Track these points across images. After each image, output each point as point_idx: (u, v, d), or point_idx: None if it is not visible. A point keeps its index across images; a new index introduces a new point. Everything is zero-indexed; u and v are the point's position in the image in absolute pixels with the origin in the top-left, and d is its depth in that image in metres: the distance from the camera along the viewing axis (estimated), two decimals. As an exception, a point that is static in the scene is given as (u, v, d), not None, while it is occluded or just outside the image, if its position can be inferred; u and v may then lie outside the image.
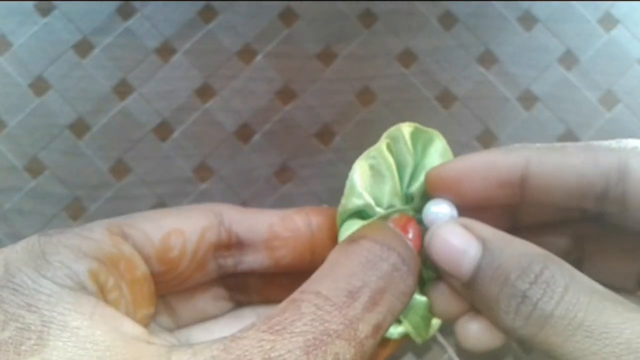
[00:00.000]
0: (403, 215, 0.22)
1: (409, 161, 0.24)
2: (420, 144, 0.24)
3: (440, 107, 0.38)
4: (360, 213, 0.23)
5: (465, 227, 0.20)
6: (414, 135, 0.24)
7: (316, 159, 0.38)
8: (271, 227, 0.22)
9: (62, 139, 0.38)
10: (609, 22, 0.39)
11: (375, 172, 0.24)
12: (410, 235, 0.21)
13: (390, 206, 0.23)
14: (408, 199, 0.23)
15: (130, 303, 0.18)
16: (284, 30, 0.39)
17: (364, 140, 0.38)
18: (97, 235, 0.18)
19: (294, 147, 0.38)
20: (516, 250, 0.18)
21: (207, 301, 0.23)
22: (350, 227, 0.22)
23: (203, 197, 0.38)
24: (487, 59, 0.39)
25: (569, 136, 0.38)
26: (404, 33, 0.39)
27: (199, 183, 0.38)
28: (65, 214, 0.38)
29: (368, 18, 0.39)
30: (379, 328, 0.18)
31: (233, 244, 0.22)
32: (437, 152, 0.24)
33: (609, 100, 0.38)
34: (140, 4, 0.39)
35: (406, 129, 0.24)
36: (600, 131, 0.38)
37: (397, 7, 0.39)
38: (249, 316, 0.23)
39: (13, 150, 0.37)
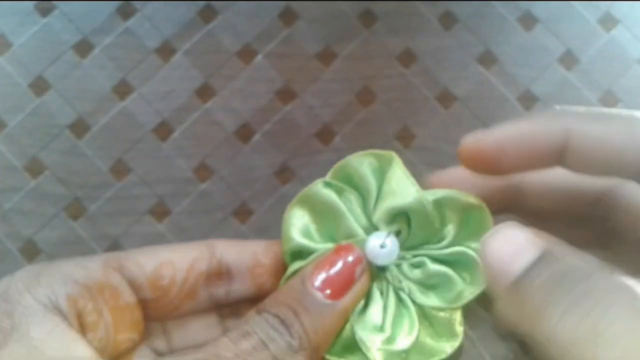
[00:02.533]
0: (339, 246, 0.23)
1: (371, 189, 0.23)
2: (379, 170, 0.24)
3: (440, 107, 0.38)
4: (301, 253, 0.24)
5: (526, 231, 0.19)
6: (372, 161, 0.24)
7: (316, 159, 0.38)
8: (255, 255, 0.24)
9: (62, 139, 0.38)
10: (609, 22, 0.39)
11: (321, 210, 0.24)
12: (339, 265, 0.22)
13: (350, 236, 0.23)
14: (373, 227, 0.23)
15: (110, 326, 0.21)
16: (284, 30, 0.39)
17: (364, 140, 0.38)
18: (92, 265, 0.21)
19: (294, 147, 0.38)
20: (575, 259, 0.17)
21: (200, 328, 0.25)
22: (293, 269, 0.24)
23: (203, 197, 0.38)
24: (487, 59, 0.39)
25: (569, 136, 0.38)
26: (404, 33, 0.39)
27: (199, 183, 0.38)
28: (65, 214, 0.38)
29: (368, 18, 0.39)
30: None
31: (223, 273, 0.24)
32: (396, 177, 0.23)
33: (609, 100, 0.39)
34: (140, 4, 0.39)
35: (362, 158, 0.24)
36: (600, 131, 0.38)
37: (397, 7, 0.39)
38: None
39: (13, 150, 0.37)
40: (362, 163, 0.24)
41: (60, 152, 0.38)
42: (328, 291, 0.21)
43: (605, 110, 0.20)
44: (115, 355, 0.22)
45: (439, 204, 0.23)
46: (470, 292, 0.22)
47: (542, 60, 0.39)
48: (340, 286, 0.22)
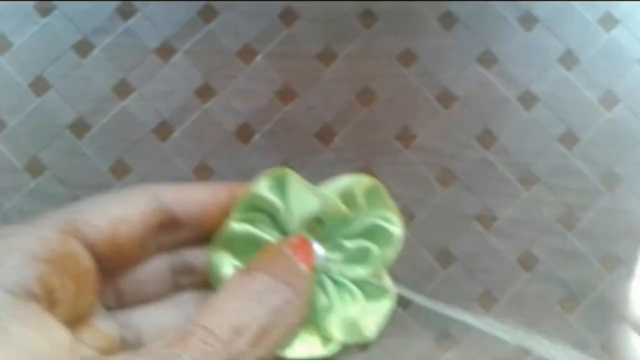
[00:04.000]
0: (299, 236, 0.25)
1: (277, 206, 0.26)
2: (277, 186, 0.26)
3: (440, 107, 0.38)
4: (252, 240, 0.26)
5: None
6: (268, 182, 0.26)
7: (316, 159, 0.38)
8: (203, 206, 0.25)
9: (62, 139, 0.38)
10: (609, 22, 0.39)
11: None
12: (306, 263, 0.23)
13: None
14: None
15: (74, 293, 0.21)
16: (284, 30, 0.39)
17: (364, 140, 0.38)
18: (48, 234, 0.20)
19: (294, 147, 0.38)
20: None
21: (150, 282, 0.25)
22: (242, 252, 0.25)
23: (203, 197, 0.38)
24: (487, 59, 0.39)
25: (569, 136, 0.38)
26: (404, 33, 0.39)
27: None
28: (65, 214, 0.38)
29: (368, 18, 0.39)
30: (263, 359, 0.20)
31: (171, 224, 0.24)
32: (295, 188, 0.26)
33: (609, 100, 0.38)
34: (140, 4, 0.39)
35: (258, 182, 0.26)
36: (600, 131, 0.38)
37: (397, 7, 0.39)
38: (187, 300, 0.25)
39: (13, 150, 0.37)
40: (260, 187, 0.25)
41: (60, 152, 0.38)
42: (307, 263, 0.22)
43: None
44: (76, 320, 0.22)
45: (340, 194, 0.26)
46: (389, 252, 0.26)
47: (542, 60, 0.39)
48: (310, 266, 0.23)
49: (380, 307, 0.27)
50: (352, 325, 0.26)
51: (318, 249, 0.26)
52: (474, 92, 0.38)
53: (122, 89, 0.38)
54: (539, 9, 0.39)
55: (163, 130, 0.38)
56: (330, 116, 0.38)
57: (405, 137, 0.38)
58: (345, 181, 0.26)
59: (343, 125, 0.38)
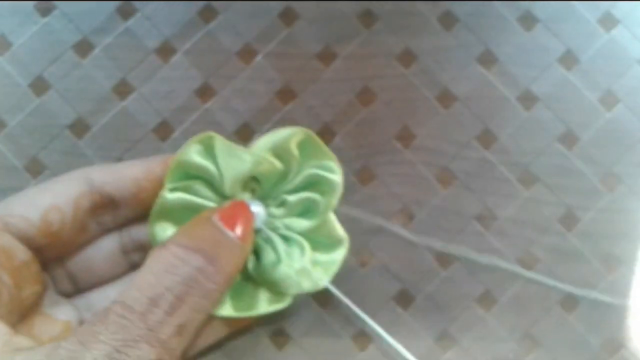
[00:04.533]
0: (235, 202, 0.25)
1: (210, 170, 0.26)
2: (206, 151, 0.27)
3: (440, 107, 0.38)
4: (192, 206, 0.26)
5: None
6: (197, 147, 0.26)
7: (316, 159, 0.38)
8: (137, 182, 0.25)
9: (62, 139, 0.38)
10: (609, 22, 0.39)
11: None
12: (239, 227, 0.23)
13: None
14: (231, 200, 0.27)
15: (12, 288, 0.21)
16: (284, 30, 0.39)
17: (364, 140, 0.38)
18: None
19: (294, 147, 0.38)
20: None
21: (103, 264, 0.26)
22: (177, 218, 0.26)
23: (203, 197, 0.38)
24: (487, 59, 0.39)
25: (569, 136, 0.38)
26: (404, 33, 0.39)
27: (199, 183, 0.38)
28: (65, 214, 0.38)
29: (368, 18, 0.39)
30: (183, 327, 0.20)
31: (107, 204, 0.25)
32: (224, 151, 0.26)
33: (609, 100, 0.39)
34: (140, 4, 0.39)
35: (186, 149, 0.26)
36: (600, 131, 0.38)
37: (397, 7, 0.39)
38: None
39: (13, 150, 0.37)
40: (190, 153, 0.26)
41: (60, 152, 0.38)
42: (237, 231, 0.22)
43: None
44: (23, 311, 0.22)
45: (273, 150, 0.26)
46: (332, 200, 0.27)
47: (542, 60, 0.39)
48: (245, 226, 0.23)
49: (333, 256, 0.27)
50: (302, 276, 0.26)
51: (257, 208, 0.26)
52: (474, 92, 0.38)
53: (122, 89, 0.38)
54: (539, 9, 0.39)
55: (163, 130, 0.38)
56: (330, 116, 0.38)
57: (405, 137, 0.38)
58: (276, 136, 0.27)
59: (343, 125, 0.38)
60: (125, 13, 0.39)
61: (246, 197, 0.26)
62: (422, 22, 0.39)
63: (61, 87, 0.38)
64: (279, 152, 0.26)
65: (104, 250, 0.26)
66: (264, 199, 0.27)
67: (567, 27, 0.39)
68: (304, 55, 0.39)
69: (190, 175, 0.26)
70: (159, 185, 0.25)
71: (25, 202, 0.23)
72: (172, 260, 0.21)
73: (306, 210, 0.27)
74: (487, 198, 0.38)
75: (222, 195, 0.26)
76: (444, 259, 0.37)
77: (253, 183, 0.27)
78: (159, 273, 0.20)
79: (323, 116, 0.38)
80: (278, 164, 0.26)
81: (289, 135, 0.26)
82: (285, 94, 0.38)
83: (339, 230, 0.28)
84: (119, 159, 0.38)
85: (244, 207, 0.25)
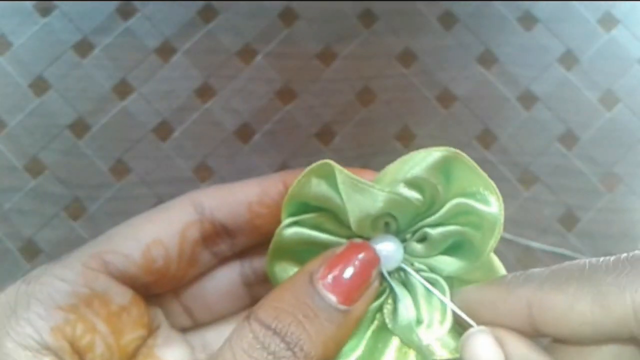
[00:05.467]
0: (351, 246, 0.20)
1: (335, 203, 0.21)
2: (327, 182, 0.22)
3: (440, 107, 0.38)
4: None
5: (498, 339, 0.18)
6: (317, 181, 0.21)
7: (316, 159, 0.38)
8: (251, 208, 0.22)
9: (62, 139, 0.38)
10: (609, 22, 0.39)
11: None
12: (355, 264, 0.19)
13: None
14: (359, 237, 0.21)
15: (109, 336, 0.19)
16: (284, 30, 0.39)
17: (364, 140, 0.38)
18: (72, 274, 0.18)
19: (294, 147, 0.38)
20: None
21: (222, 297, 0.23)
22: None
23: (203, 197, 0.38)
24: (487, 59, 0.39)
25: (569, 136, 0.38)
26: (404, 33, 0.39)
27: (199, 183, 0.38)
28: (65, 214, 0.38)
29: (368, 18, 0.39)
30: None
31: (220, 232, 0.22)
32: (348, 184, 0.21)
33: (609, 100, 0.38)
34: (140, 4, 0.39)
35: (304, 181, 0.21)
36: (600, 131, 0.38)
37: (397, 7, 0.39)
38: None
39: (13, 150, 0.37)
40: (309, 185, 0.21)
41: (60, 152, 0.38)
42: (340, 294, 0.18)
43: (566, 267, 0.18)
44: (125, 358, 0.20)
45: (409, 181, 0.20)
46: (489, 238, 0.20)
47: (542, 60, 0.39)
48: (355, 289, 0.19)
49: None
50: (435, 347, 0.20)
51: (390, 247, 0.20)
52: (474, 92, 0.38)
53: (122, 89, 0.38)
54: (539, 9, 0.39)
55: (163, 130, 0.38)
56: (330, 116, 0.38)
57: (405, 137, 0.38)
58: (412, 162, 0.20)
59: (343, 125, 0.38)
60: (125, 13, 0.39)
61: (377, 233, 0.21)
62: (422, 22, 0.39)
63: (61, 87, 0.38)
64: (418, 182, 0.20)
65: (223, 282, 0.23)
66: (399, 232, 0.21)
67: (567, 27, 0.39)
68: (304, 55, 0.39)
69: (310, 207, 0.21)
70: (275, 210, 0.22)
71: (126, 236, 0.20)
72: (251, 341, 0.18)
73: (451, 249, 0.21)
74: (487, 198, 0.38)
75: (349, 228, 0.21)
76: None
77: (387, 216, 0.21)
78: (237, 353, 0.18)
79: (323, 116, 0.38)
80: (417, 199, 0.20)
81: (428, 160, 0.20)
82: (285, 94, 0.38)
83: (497, 265, 0.21)
84: (119, 159, 0.38)
85: (362, 250, 0.19)
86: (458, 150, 0.20)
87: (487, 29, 0.39)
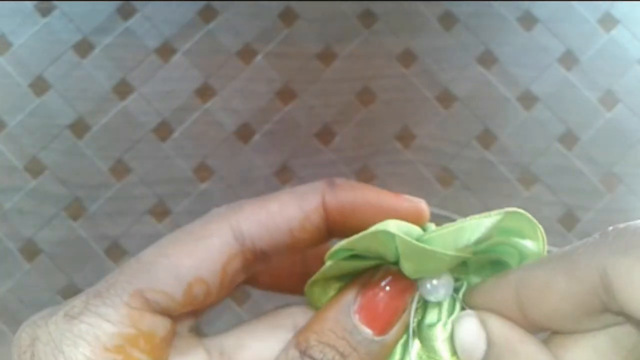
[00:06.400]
0: (385, 272, 0.19)
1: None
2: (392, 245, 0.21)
3: (440, 107, 0.38)
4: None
5: (482, 321, 0.19)
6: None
7: (316, 159, 0.38)
8: (292, 234, 0.21)
9: (62, 139, 0.38)
10: (609, 22, 0.39)
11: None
12: (388, 293, 0.19)
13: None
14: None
15: None
16: (284, 30, 0.39)
17: (364, 140, 0.38)
18: (117, 316, 0.19)
19: (294, 147, 0.38)
20: (516, 355, 0.18)
21: (261, 346, 0.22)
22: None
23: (203, 197, 0.38)
24: (487, 59, 0.39)
25: (569, 136, 0.38)
26: (404, 33, 0.39)
27: (199, 183, 0.38)
28: (65, 214, 0.38)
29: (368, 18, 0.39)
30: None
31: (258, 259, 0.21)
32: (415, 250, 0.19)
33: (609, 100, 0.38)
34: (140, 4, 0.39)
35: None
36: (600, 131, 0.38)
37: (397, 7, 0.39)
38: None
39: (13, 150, 0.37)
40: (364, 242, 0.20)
41: (60, 152, 0.38)
42: (376, 326, 0.19)
43: (553, 251, 0.18)
44: None
45: (475, 244, 0.20)
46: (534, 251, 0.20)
47: (542, 60, 0.39)
48: (388, 319, 0.19)
49: None
50: None
51: (447, 281, 0.20)
52: (474, 92, 0.38)
53: (122, 89, 0.38)
54: (539, 9, 0.39)
55: (163, 130, 0.38)
56: (330, 116, 0.38)
57: (405, 137, 0.38)
58: (481, 227, 0.19)
59: (343, 125, 0.38)
60: (125, 13, 0.39)
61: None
62: (422, 22, 0.39)
63: (61, 87, 0.38)
64: (481, 244, 0.20)
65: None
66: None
67: (567, 27, 0.39)
68: (304, 55, 0.39)
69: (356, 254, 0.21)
70: (316, 235, 0.21)
71: (166, 271, 0.20)
72: None
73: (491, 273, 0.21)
74: (487, 198, 0.38)
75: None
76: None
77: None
78: None
79: (323, 116, 0.38)
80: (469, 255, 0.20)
81: (491, 222, 0.19)
82: (285, 94, 0.38)
83: None
84: (119, 159, 0.38)
85: (397, 277, 0.20)
86: (523, 212, 0.19)
87: (487, 29, 0.39)
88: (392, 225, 0.19)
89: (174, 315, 0.20)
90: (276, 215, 0.21)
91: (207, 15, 0.39)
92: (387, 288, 0.19)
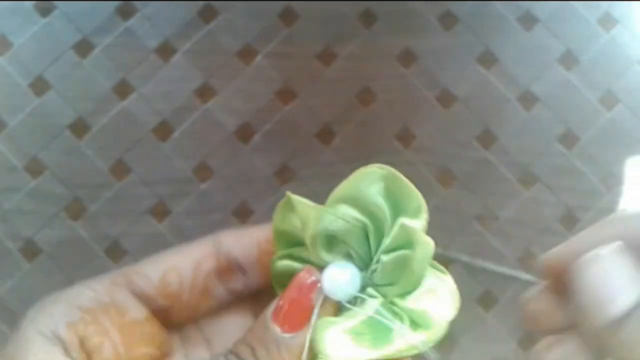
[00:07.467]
0: (304, 271, 0.21)
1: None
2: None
3: (440, 107, 0.38)
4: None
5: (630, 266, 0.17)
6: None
7: (316, 159, 0.38)
8: (259, 245, 0.24)
9: (62, 139, 0.38)
10: (609, 22, 0.39)
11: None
12: (295, 294, 0.21)
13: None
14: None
15: (120, 345, 0.21)
16: (284, 30, 0.39)
17: (364, 140, 0.38)
18: (99, 286, 0.22)
19: (294, 147, 0.38)
20: None
21: (237, 332, 0.24)
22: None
23: (203, 197, 0.38)
24: (487, 59, 0.39)
25: (569, 136, 0.38)
26: (404, 33, 0.39)
27: (199, 183, 0.38)
28: (65, 214, 0.38)
29: (368, 18, 0.39)
30: None
31: (233, 268, 0.24)
32: (299, 212, 0.22)
33: (609, 100, 0.39)
34: (140, 4, 0.39)
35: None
36: (600, 131, 0.38)
37: (397, 7, 0.39)
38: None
39: (13, 150, 0.37)
40: (279, 221, 0.22)
41: (60, 152, 0.38)
42: (283, 324, 0.21)
43: None
44: None
45: (348, 201, 0.21)
46: (416, 253, 0.20)
47: (542, 60, 0.39)
48: (297, 318, 0.21)
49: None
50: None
51: (336, 273, 0.20)
52: (474, 92, 0.38)
53: (122, 89, 0.38)
54: (539, 9, 0.39)
55: (163, 130, 0.38)
56: (330, 116, 0.38)
57: (405, 137, 0.38)
58: (350, 183, 0.21)
59: (343, 125, 0.38)
60: (125, 13, 0.39)
61: (337, 261, 0.21)
62: (422, 22, 0.39)
63: (61, 87, 0.38)
64: (359, 203, 0.21)
65: (238, 316, 0.25)
66: (364, 262, 0.21)
67: (567, 27, 0.39)
68: (304, 55, 0.39)
69: (291, 242, 0.23)
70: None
71: (151, 261, 0.24)
72: None
73: (397, 279, 0.21)
74: (487, 198, 0.38)
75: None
76: (444, 259, 0.37)
77: (342, 244, 0.21)
78: None
79: (323, 116, 0.38)
80: (355, 218, 0.21)
81: (365, 179, 0.21)
82: (285, 94, 0.38)
83: (441, 271, 0.21)
84: (119, 159, 0.38)
85: (303, 276, 0.21)
86: (388, 167, 0.21)
87: (487, 29, 0.39)
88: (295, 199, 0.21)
89: (154, 307, 0.23)
90: (251, 231, 0.24)
91: (207, 15, 0.39)
92: (294, 289, 0.21)
